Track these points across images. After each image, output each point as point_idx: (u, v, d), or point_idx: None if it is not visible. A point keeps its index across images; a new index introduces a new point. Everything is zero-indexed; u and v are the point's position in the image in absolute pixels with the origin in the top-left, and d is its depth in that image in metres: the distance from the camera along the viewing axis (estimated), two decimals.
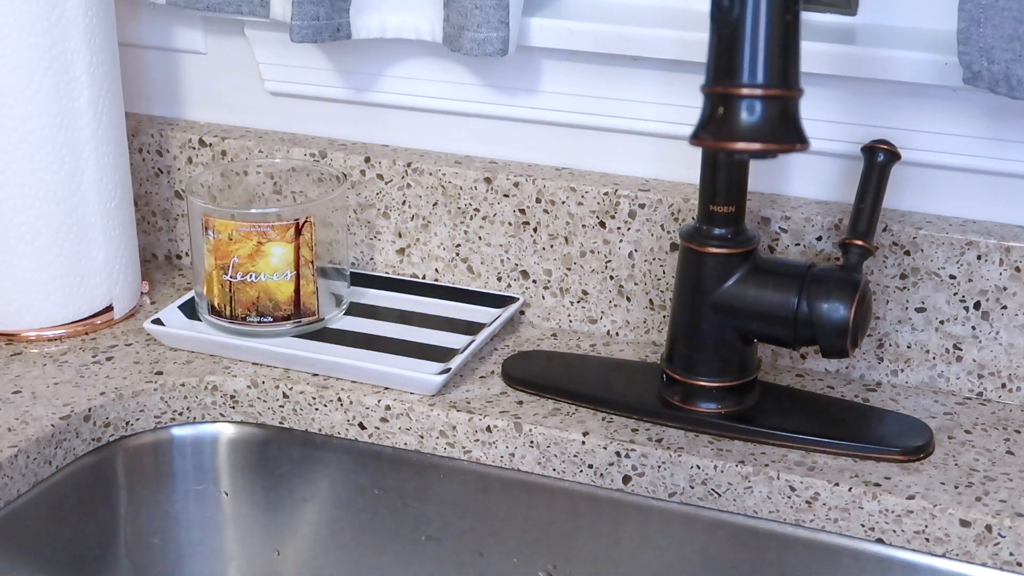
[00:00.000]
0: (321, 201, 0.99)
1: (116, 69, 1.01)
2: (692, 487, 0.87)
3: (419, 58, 1.05)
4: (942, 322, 0.94)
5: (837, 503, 0.84)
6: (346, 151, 1.08)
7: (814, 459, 0.87)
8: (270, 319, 0.98)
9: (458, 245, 1.05)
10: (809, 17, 0.97)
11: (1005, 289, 0.92)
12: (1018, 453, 0.88)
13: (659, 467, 0.88)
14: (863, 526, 0.84)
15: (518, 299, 1.04)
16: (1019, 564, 0.81)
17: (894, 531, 0.83)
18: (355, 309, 1.04)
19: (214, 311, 0.99)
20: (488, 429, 0.91)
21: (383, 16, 1.01)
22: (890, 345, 0.96)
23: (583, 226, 1.01)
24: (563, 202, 1.01)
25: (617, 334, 1.03)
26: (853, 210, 0.90)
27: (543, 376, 0.96)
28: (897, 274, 0.94)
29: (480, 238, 1.04)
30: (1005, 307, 0.92)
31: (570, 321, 1.04)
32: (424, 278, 1.08)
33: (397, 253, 1.08)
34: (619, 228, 1.00)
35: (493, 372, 0.97)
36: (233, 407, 0.97)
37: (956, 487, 0.84)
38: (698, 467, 0.87)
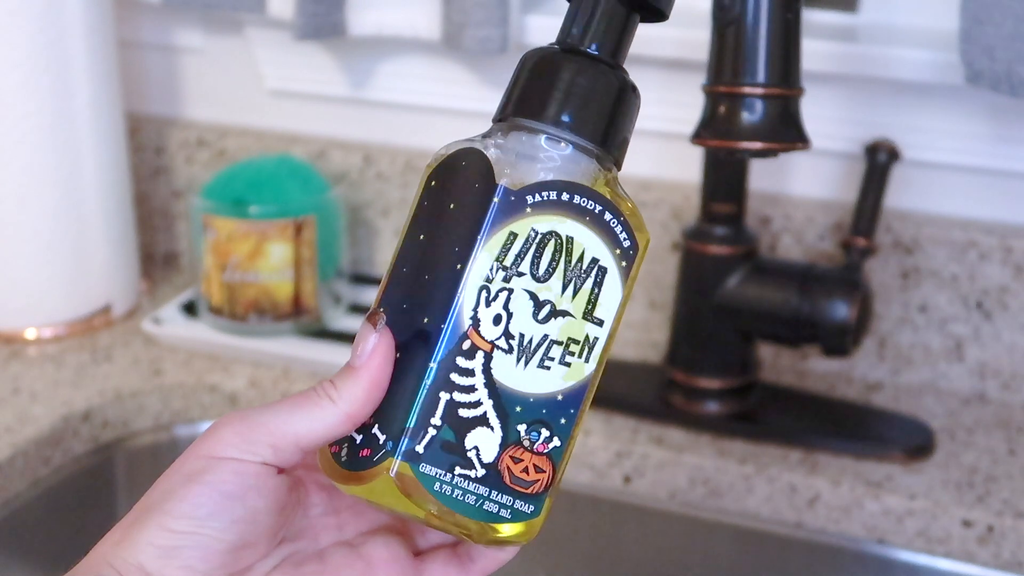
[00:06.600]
0: (321, 200, 0.98)
1: (115, 68, 1.01)
2: (693, 487, 0.87)
3: (417, 56, 1.05)
4: (944, 321, 0.94)
5: (839, 503, 0.84)
6: (345, 150, 1.07)
7: (815, 459, 0.86)
8: (269, 318, 0.98)
9: None
10: (810, 15, 0.97)
11: (1007, 288, 0.92)
12: (1020, 453, 0.88)
13: (660, 467, 0.87)
14: (865, 526, 0.84)
15: None
16: (1021, 564, 0.81)
17: (896, 531, 0.83)
18: (355, 309, 1.04)
19: (213, 310, 0.99)
20: None
21: (380, 13, 1.01)
22: (891, 345, 0.96)
23: None
24: None
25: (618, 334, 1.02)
26: (855, 209, 0.89)
27: None
28: (899, 273, 0.94)
29: None
30: (1007, 306, 0.92)
31: None
32: None
33: None
34: None
35: None
36: (232, 407, 0.96)
37: (958, 487, 0.84)
38: (699, 467, 0.86)
